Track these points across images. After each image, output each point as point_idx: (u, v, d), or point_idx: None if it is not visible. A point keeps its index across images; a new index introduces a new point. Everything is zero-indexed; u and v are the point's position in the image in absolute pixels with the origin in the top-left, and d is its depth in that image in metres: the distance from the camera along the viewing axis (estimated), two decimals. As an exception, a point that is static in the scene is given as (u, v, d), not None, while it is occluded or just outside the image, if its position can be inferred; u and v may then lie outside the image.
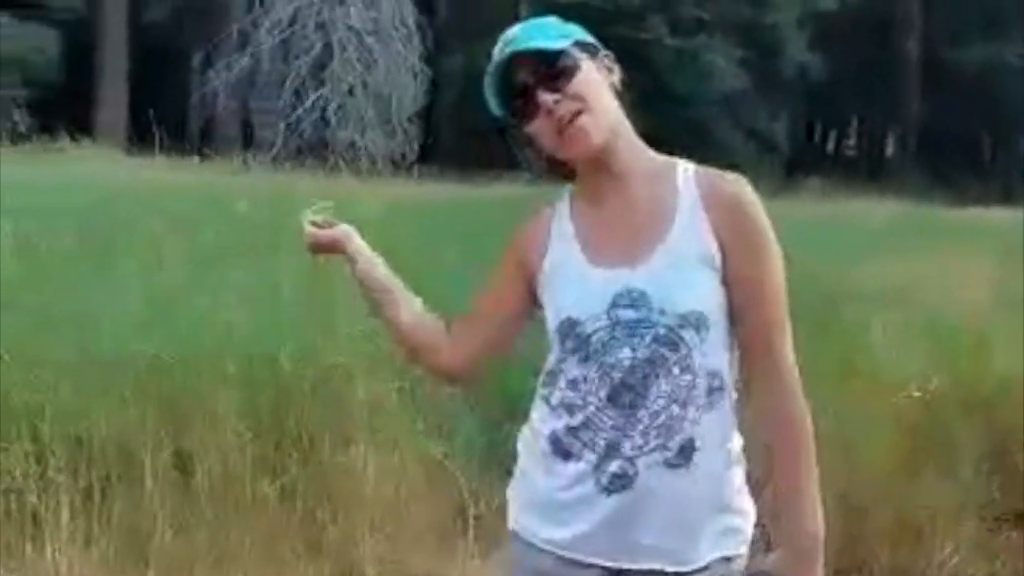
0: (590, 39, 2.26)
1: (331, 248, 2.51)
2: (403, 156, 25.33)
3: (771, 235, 2.19)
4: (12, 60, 27.03)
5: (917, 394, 5.04)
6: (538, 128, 2.19)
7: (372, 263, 2.48)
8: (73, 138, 15.82)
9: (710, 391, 2.16)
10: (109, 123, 26.95)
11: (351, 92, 26.64)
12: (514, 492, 2.37)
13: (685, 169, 2.23)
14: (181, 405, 4.60)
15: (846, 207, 17.75)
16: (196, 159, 19.07)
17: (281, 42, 27.08)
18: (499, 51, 2.21)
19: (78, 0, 30.15)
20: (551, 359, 2.25)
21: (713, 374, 2.16)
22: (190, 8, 30.33)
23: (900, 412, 5.08)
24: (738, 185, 2.21)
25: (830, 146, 46.34)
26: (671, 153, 2.31)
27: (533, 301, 2.32)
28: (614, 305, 2.15)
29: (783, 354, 2.20)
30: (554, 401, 2.23)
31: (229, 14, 27.72)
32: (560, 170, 2.28)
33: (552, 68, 2.16)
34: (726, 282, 2.17)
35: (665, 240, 2.16)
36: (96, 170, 14.00)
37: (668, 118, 22.04)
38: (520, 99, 2.18)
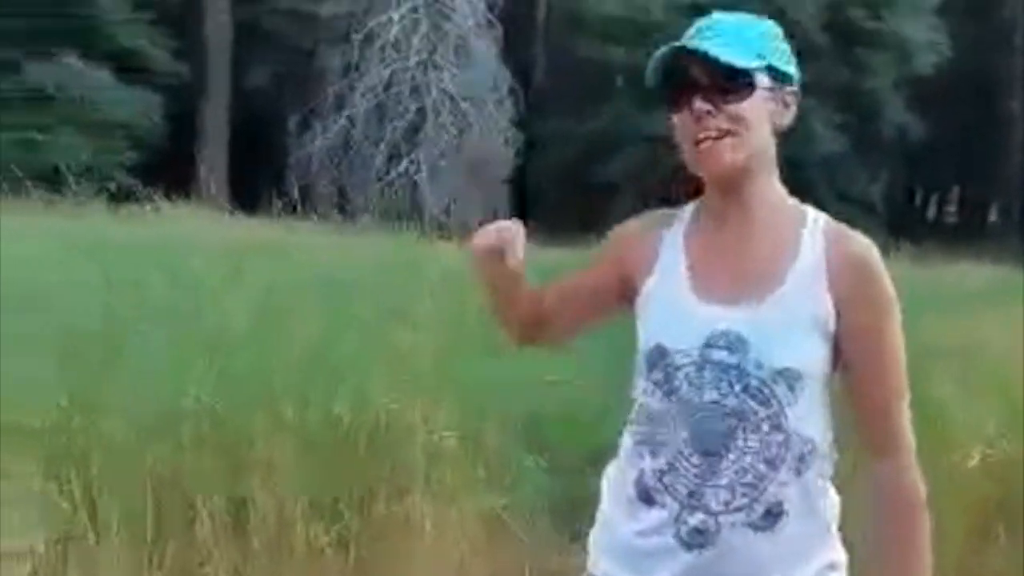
0: (785, 67, 2.13)
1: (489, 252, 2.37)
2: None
3: (895, 303, 2.09)
4: (118, 124, 27.78)
5: (990, 452, 4.86)
6: (679, 123, 2.09)
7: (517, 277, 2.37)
8: (170, 199, 16.08)
9: (802, 457, 2.05)
10: (209, 185, 27.48)
11: (443, 156, 26.91)
12: (595, 537, 2.27)
13: (815, 219, 2.14)
14: (237, 451, 4.61)
15: (942, 272, 17.38)
16: (291, 220, 19.32)
17: (376, 106, 27.51)
18: (691, 33, 2.10)
19: (183, 66, 30.88)
20: (636, 389, 2.17)
21: (806, 440, 2.05)
22: (289, 73, 30.90)
23: (970, 475, 4.91)
24: (865, 247, 2.10)
25: (931, 211, 45.55)
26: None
27: (625, 303, 2.23)
28: (708, 344, 2.04)
29: (900, 421, 2.10)
30: (639, 437, 2.14)
31: (325, 79, 28.19)
32: (690, 179, 2.18)
33: (726, 82, 2.04)
34: (839, 345, 2.06)
35: (778, 291, 2.05)
36: (191, 229, 14.24)
37: (765, 182, 21.65)
38: (678, 91, 2.07)
